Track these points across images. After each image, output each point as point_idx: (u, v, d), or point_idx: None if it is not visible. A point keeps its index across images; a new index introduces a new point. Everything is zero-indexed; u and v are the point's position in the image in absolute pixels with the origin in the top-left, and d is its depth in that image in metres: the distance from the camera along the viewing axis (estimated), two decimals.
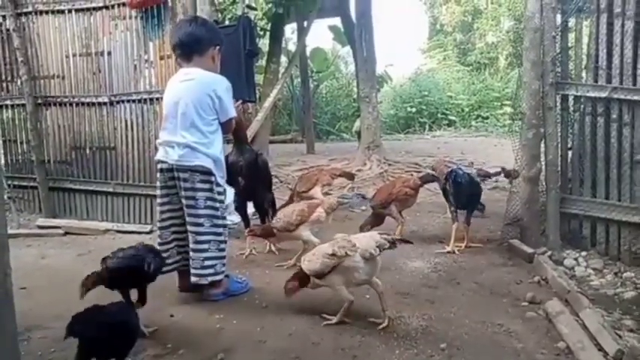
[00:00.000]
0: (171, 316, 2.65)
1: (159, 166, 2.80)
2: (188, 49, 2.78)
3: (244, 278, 3.06)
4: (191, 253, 2.75)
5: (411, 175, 5.61)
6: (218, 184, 2.78)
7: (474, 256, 3.54)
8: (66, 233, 4.53)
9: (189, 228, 2.75)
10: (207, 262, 2.73)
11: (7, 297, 1.26)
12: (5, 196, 4.89)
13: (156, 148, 2.91)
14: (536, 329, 2.42)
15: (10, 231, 4.45)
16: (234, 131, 3.23)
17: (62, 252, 4.01)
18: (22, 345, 2.34)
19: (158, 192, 2.83)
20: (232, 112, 2.84)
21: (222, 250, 2.81)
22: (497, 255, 3.54)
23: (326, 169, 5.17)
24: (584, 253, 3.40)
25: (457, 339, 2.33)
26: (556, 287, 2.87)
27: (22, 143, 5.13)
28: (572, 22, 3.47)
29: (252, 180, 3.41)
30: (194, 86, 2.71)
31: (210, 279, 2.75)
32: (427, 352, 2.23)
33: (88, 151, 4.88)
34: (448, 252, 3.60)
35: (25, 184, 5.15)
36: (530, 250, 3.38)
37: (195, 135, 2.69)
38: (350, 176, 5.07)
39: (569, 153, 3.55)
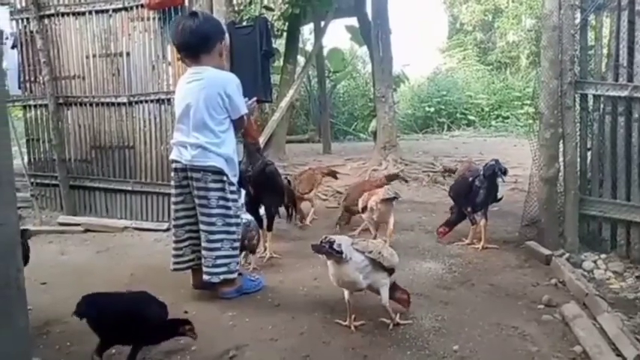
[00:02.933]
0: (185, 312, 2.68)
1: (173, 165, 2.85)
2: (195, 49, 2.75)
3: (258, 277, 3.09)
4: (203, 252, 2.78)
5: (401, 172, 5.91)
6: (231, 184, 2.81)
7: (489, 257, 3.50)
8: (86, 230, 4.62)
9: (202, 227, 2.78)
10: (219, 261, 2.77)
11: (20, 293, 1.30)
12: (28, 194, 5.03)
13: (171, 148, 2.95)
14: (551, 332, 2.38)
15: (32, 228, 4.58)
16: (245, 139, 3.28)
17: (82, 249, 4.10)
18: (42, 339, 2.42)
19: (173, 191, 2.88)
20: (243, 109, 2.85)
21: (235, 248, 2.84)
22: (514, 257, 3.48)
23: (315, 168, 5.23)
24: (603, 256, 3.32)
25: (470, 341, 2.31)
26: (573, 290, 2.81)
27: (44, 142, 5.26)
28: (592, 19, 3.39)
29: (260, 190, 3.46)
30: (204, 86, 2.72)
31: (222, 277, 2.78)
32: (439, 353, 2.21)
33: (107, 150, 4.97)
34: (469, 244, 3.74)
35: (47, 182, 5.27)
36: (547, 252, 3.32)
37: (207, 135, 2.73)
38: (334, 175, 5.12)
39: (589, 153, 3.47)
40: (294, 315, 2.61)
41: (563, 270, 3.04)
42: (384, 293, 2.38)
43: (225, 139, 2.77)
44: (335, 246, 2.23)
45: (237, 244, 2.85)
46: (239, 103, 2.80)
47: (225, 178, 2.76)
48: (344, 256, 2.25)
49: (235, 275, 2.84)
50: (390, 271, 2.40)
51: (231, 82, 2.78)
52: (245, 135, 3.17)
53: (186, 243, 2.88)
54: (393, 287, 2.51)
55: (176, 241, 2.89)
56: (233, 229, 2.82)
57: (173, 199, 2.88)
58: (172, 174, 2.86)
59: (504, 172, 3.63)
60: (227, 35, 3.21)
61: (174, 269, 2.91)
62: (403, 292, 2.53)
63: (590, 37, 3.44)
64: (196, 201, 2.78)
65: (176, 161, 2.81)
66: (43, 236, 4.47)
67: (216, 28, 2.84)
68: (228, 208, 2.78)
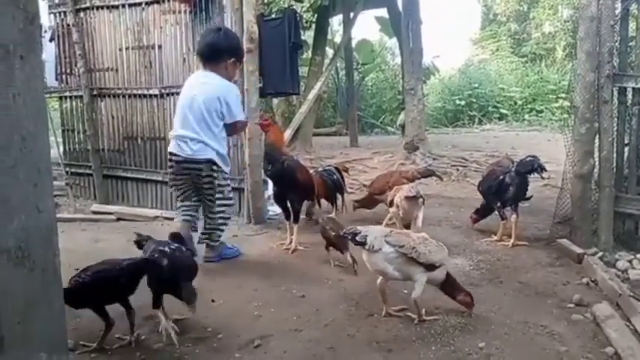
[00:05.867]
0: (213, 301, 2.74)
1: (173, 158, 3.26)
2: (203, 57, 3.31)
3: (235, 245, 3.55)
4: (207, 220, 3.36)
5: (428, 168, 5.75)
6: (222, 172, 3.30)
7: (519, 254, 3.42)
8: (118, 219, 4.74)
9: (206, 203, 3.33)
10: (218, 229, 3.37)
11: (56, 276, 1.35)
12: (64, 183, 5.20)
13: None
14: (581, 332, 2.32)
15: (67, 215, 4.74)
16: (267, 136, 3.58)
17: (114, 237, 4.21)
18: (75, 322, 2.50)
19: (174, 177, 3.34)
20: (239, 116, 3.34)
21: (223, 223, 3.39)
22: (545, 254, 3.40)
23: (339, 163, 5.26)
24: (639, 256, 3.21)
25: (497, 338, 2.27)
26: (606, 290, 2.73)
27: (79, 132, 5.43)
28: (633, 8, 3.26)
29: (281, 186, 3.68)
30: (208, 89, 3.20)
31: (210, 242, 3.37)
32: (464, 350, 2.18)
33: (139, 141, 5.09)
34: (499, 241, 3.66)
35: (81, 171, 5.45)
36: (579, 251, 3.23)
37: (205, 132, 3.18)
38: (346, 170, 5.14)
39: (626, 149, 3.35)
40: (318, 307, 2.63)
41: (595, 269, 2.95)
42: (418, 287, 2.36)
43: (219, 137, 3.26)
44: (358, 237, 2.33)
45: (227, 221, 3.43)
46: (235, 110, 3.28)
47: (216, 167, 3.25)
48: (367, 247, 2.33)
49: (217, 243, 3.39)
50: (429, 267, 2.36)
51: (231, 91, 3.29)
52: (269, 133, 3.53)
53: (190, 203, 3.39)
54: (455, 288, 2.48)
55: (185, 204, 3.39)
56: (225, 208, 3.37)
57: (172, 183, 3.39)
58: (173, 165, 3.28)
59: (543, 170, 3.54)
60: (256, 33, 3.38)
61: (184, 220, 3.37)
62: (466, 295, 2.48)
63: (631, 28, 3.31)
64: (202, 185, 3.26)
65: (176, 154, 3.24)
66: (78, 224, 4.61)
67: (230, 46, 3.31)
68: (222, 191, 3.32)
